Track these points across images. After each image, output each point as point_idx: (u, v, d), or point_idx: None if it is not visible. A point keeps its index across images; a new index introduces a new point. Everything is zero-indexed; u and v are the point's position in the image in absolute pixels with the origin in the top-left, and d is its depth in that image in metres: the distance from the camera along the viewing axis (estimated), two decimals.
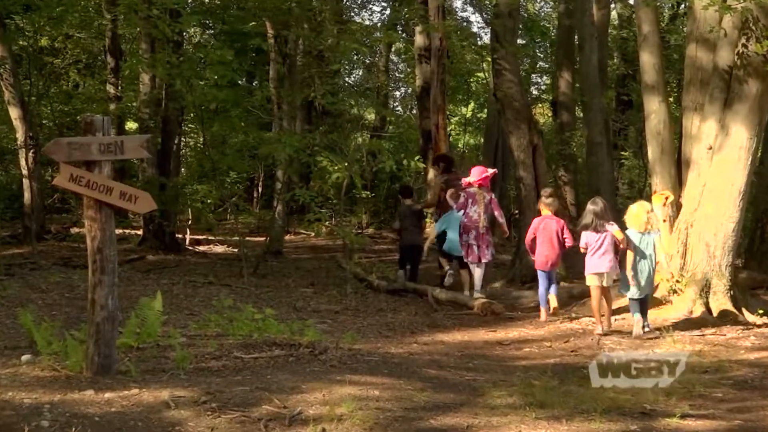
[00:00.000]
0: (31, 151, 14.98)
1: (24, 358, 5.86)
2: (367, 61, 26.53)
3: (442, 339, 8.47)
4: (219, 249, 16.55)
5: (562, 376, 6.37)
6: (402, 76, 27.86)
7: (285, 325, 7.43)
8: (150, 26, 13.20)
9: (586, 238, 8.65)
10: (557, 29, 18.77)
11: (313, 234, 18.63)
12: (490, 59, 14.95)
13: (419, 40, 16.98)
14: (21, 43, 17.02)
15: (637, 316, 8.42)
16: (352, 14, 23.94)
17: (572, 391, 5.79)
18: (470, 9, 28.04)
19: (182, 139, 19.20)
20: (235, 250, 15.06)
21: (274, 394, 5.08)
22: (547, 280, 9.63)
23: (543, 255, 9.65)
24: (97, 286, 5.40)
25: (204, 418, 4.62)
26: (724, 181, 9.25)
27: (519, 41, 17.61)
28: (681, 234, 9.53)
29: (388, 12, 23.11)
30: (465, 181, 11.02)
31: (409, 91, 26.49)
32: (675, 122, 11.10)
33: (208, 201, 17.79)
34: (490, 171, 11.34)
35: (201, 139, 18.50)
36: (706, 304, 9.11)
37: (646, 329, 8.40)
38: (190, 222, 18.09)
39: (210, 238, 17.67)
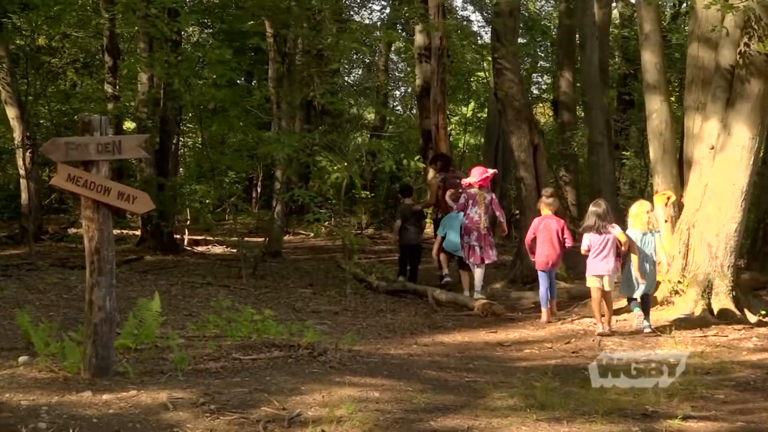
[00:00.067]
0: (29, 150, 14.96)
1: (21, 359, 5.83)
2: (367, 61, 26.53)
3: (442, 340, 8.43)
4: (217, 249, 16.52)
5: (563, 378, 6.34)
6: (402, 75, 27.87)
7: (284, 326, 7.37)
8: (148, 25, 13.16)
9: (589, 240, 8.63)
10: (558, 28, 18.79)
11: (312, 234, 18.58)
12: (490, 58, 14.91)
13: (419, 39, 16.98)
14: (18, 42, 16.98)
15: (637, 310, 8.55)
16: (352, 13, 23.93)
17: (573, 392, 5.77)
18: (470, 8, 27.96)
19: (180, 138, 19.17)
20: (234, 250, 15.02)
21: (273, 396, 5.06)
22: (548, 281, 9.61)
23: (543, 255, 9.63)
24: (94, 286, 5.38)
25: (202, 420, 4.59)
26: (726, 181, 9.21)
27: (520, 40, 17.56)
28: (683, 234, 9.49)
29: (387, 11, 23.11)
30: (465, 181, 10.98)
31: (409, 90, 26.50)
32: (677, 122, 11.08)
33: (207, 201, 17.80)
34: (491, 171, 11.29)
35: (199, 139, 18.46)
36: (708, 305, 9.08)
37: (647, 330, 8.40)
38: (188, 222, 18.09)
39: (208, 238, 17.63)
